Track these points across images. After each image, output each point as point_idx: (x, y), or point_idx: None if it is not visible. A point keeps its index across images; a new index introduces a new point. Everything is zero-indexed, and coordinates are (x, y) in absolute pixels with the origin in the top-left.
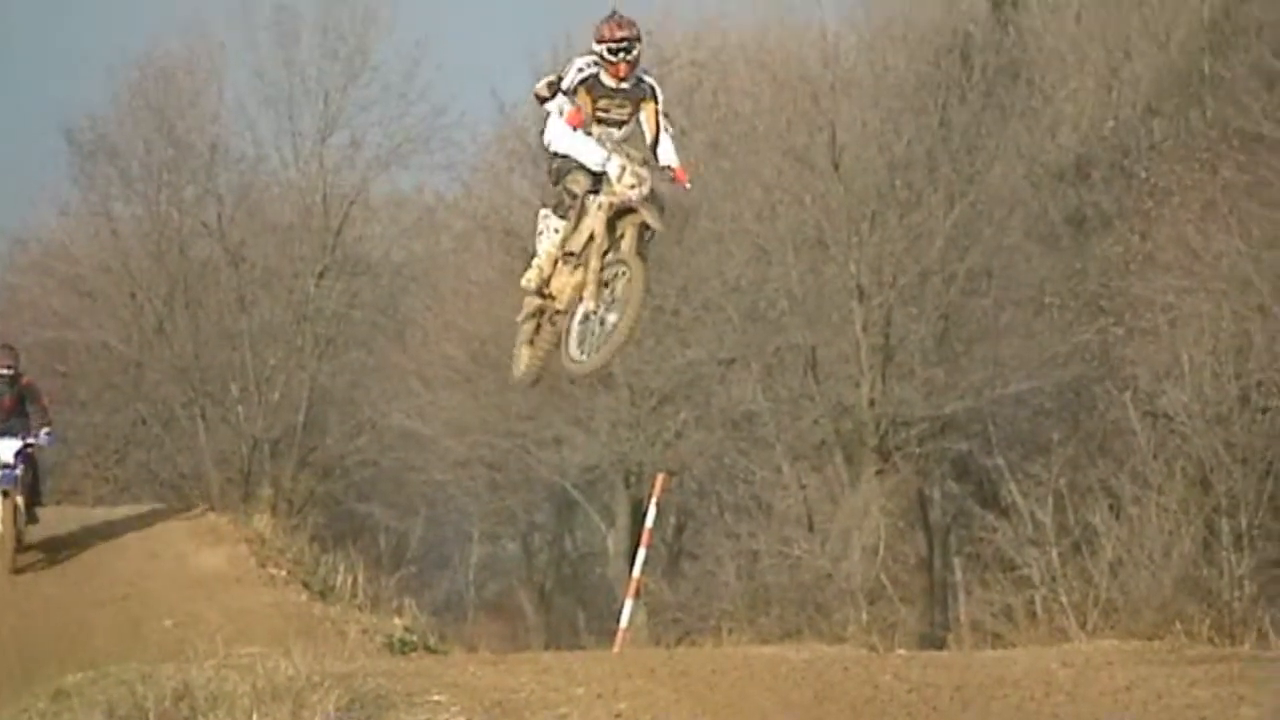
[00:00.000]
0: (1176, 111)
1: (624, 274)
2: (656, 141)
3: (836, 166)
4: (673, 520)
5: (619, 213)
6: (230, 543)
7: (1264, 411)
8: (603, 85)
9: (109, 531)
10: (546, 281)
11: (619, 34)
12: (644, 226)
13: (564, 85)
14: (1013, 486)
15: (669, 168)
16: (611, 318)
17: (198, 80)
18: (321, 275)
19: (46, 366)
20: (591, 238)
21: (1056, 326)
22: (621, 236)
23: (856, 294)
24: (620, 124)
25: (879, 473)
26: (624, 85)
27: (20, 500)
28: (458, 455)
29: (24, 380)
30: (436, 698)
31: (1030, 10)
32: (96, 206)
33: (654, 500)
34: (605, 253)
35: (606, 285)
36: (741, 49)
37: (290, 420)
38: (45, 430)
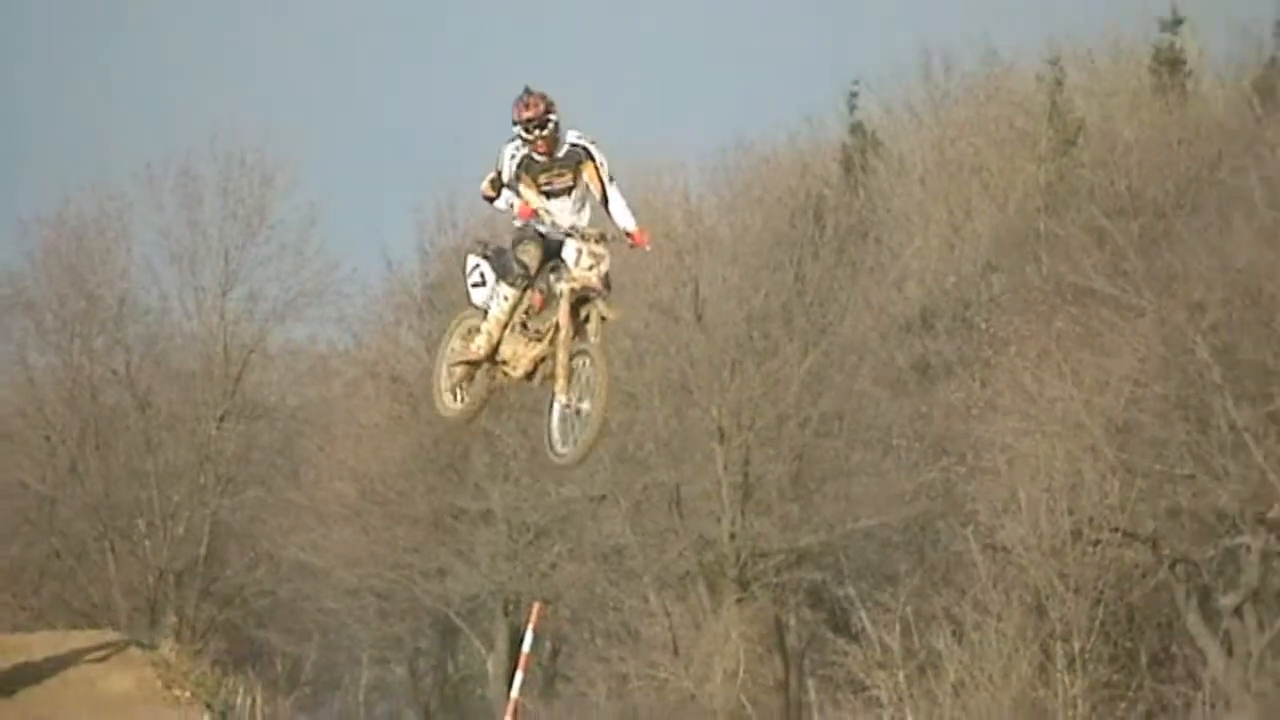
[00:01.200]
0: (1014, 267)
1: (588, 362)
2: (606, 199)
3: (699, 318)
4: (548, 645)
5: (579, 300)
6: (138, 666)
7: (1095, 544)
8: (536, 162)
9: (23, 656)
10: (495, 347)
11: (525, 115)
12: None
13: (505, 179)
14: (863, 614)
15: (628, 233)
16: (585, 406)
17: (107, 238)
18: (222, 419)
19: None
20: (557, 328)
21: (903, 466)
22: (586, 321)
23: (718, 436)
24: (567, 190)
25: (739, 601)
26: (556, 155)
27: None
28: (349, 585)
29: None
30: None
31: (878, 174)
32: (13, 356)
33: (531, 627)
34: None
35: (574, 374)
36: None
37: (193, 553)
38: None
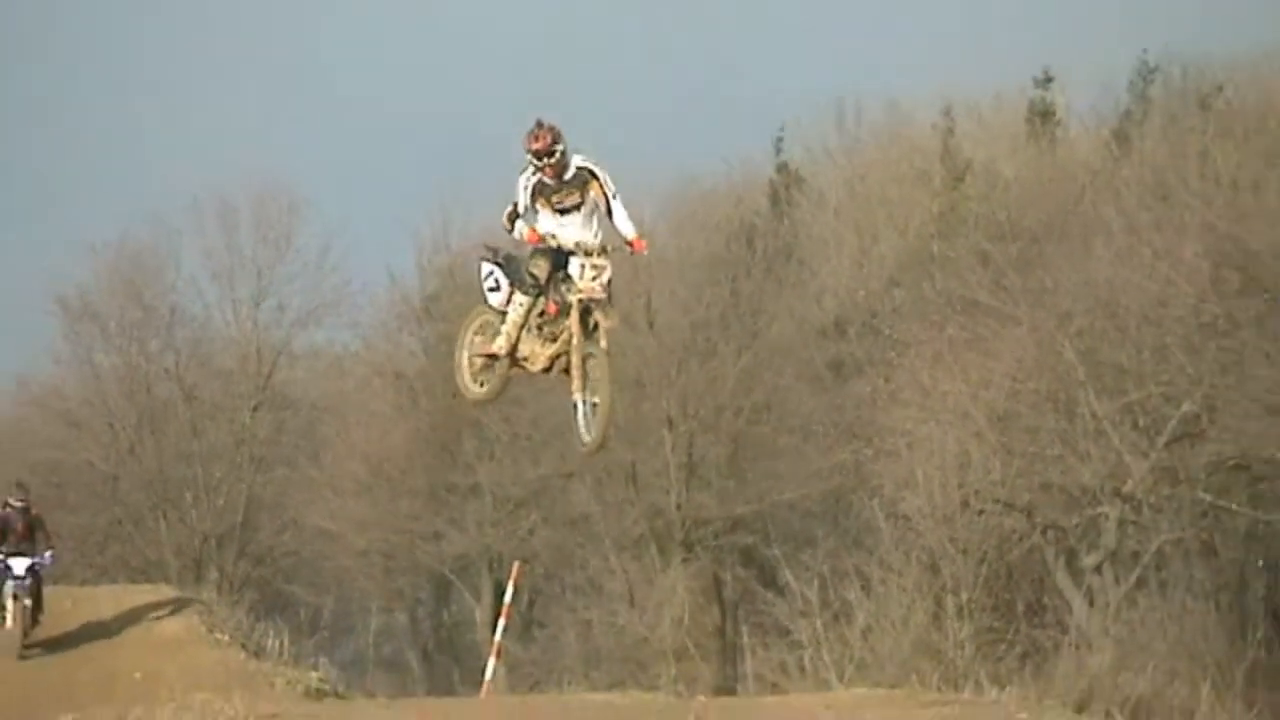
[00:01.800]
0: (913, 283)
1: (595, 361)
2: (611, 211)
3: (651, 325)
4: (526, 597)
5: (586, 309)
6: (185, 615)
7: (980, 513)
8: (547, 185)
9: (91, 606)
10: (515, 345)
11: (535, 146)
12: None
13: (520, 209)
14: (787, 571)
15: (628, 240)
16: (595, 399)
17: (160, 259)
18: (255, 409)
19: (44, 480)
20: (570, 337)
21: (820, 448)
22: (595, 328)
23: (667, 423)
24: (576, 207)
25: (684, 560)
26: (564, 178)
27: (28, 603)
28: (360, 547)
29: (34, 511)
30: None
31: (800, 205)
32: (82, 356)
33: (511, 582)
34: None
35: (586, 374)
36: None
37: (231, 520)
38: (49, 552)
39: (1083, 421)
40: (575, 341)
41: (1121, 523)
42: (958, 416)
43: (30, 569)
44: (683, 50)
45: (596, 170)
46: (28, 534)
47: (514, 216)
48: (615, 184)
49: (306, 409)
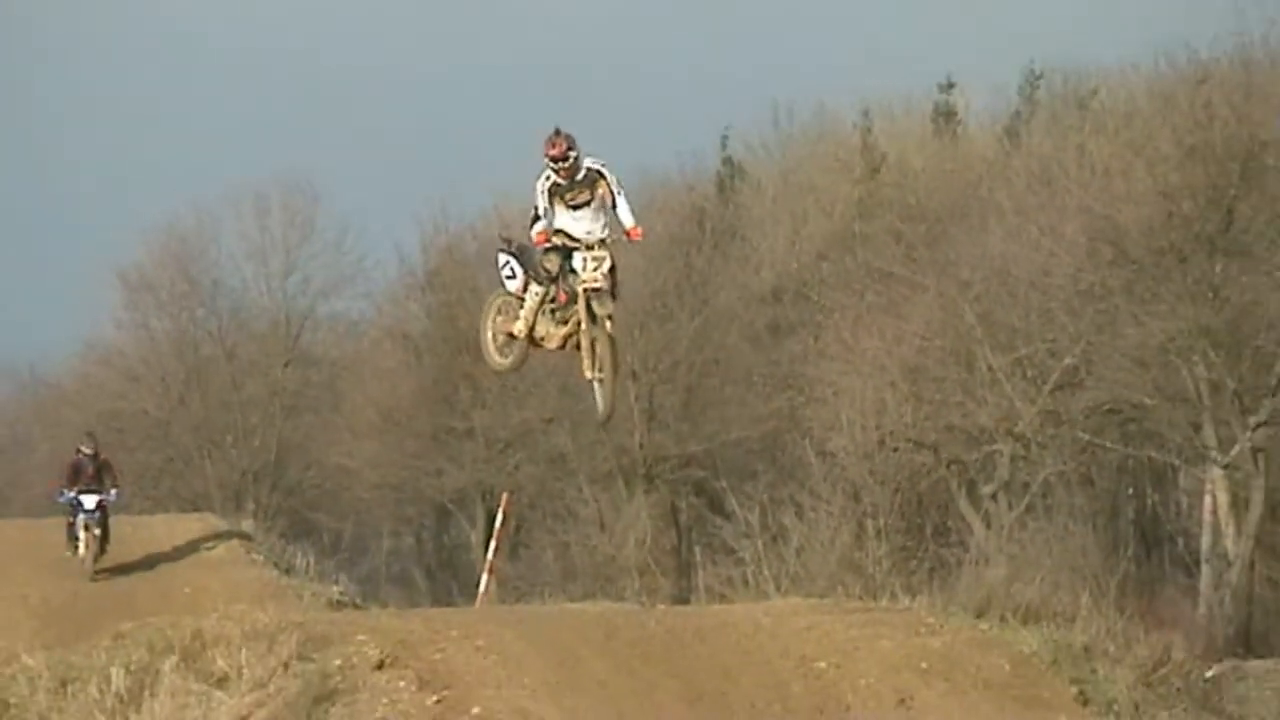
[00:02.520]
0: (837, 257)
1: (601, 343)
2: (615, 205)
3: (615, 295)
4: (513, 523)
5: (590, 296)
6: (227, 539)
7: (894, 451)
8: (561, 185)
9: (148, 532)
10: (532, 328)
11: (552, 153)
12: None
13: (540, 210)
14: (733, 500)
15: (626, 231)
16: (601, 375)
17: (204, 240)
18: (286, 366)
19: (108, 426)
20: (579, 323)
21: (760, 397)
22: (600, 313)
23: (631, 376)
24: (587, 203)
25: (646, 492)
26: (576, 178)
27: (97, 533)
28: (373, 481)
29: (102, 457)
30: (361, 637)
31: (743, 192)
32: (139, 321)
33: (501, 510)
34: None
35: (594, 354)
36: None
37: (265, 459)
38: (115, 490)
39: (980, 373)
40: (584, 326)
41: (1013, 458)
42: (875, 369)
43: (99, 504)
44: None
45: (605, 171)
46: (96, 476)
47: (535, 219)
48: (621, 183)
49: (328, 366)
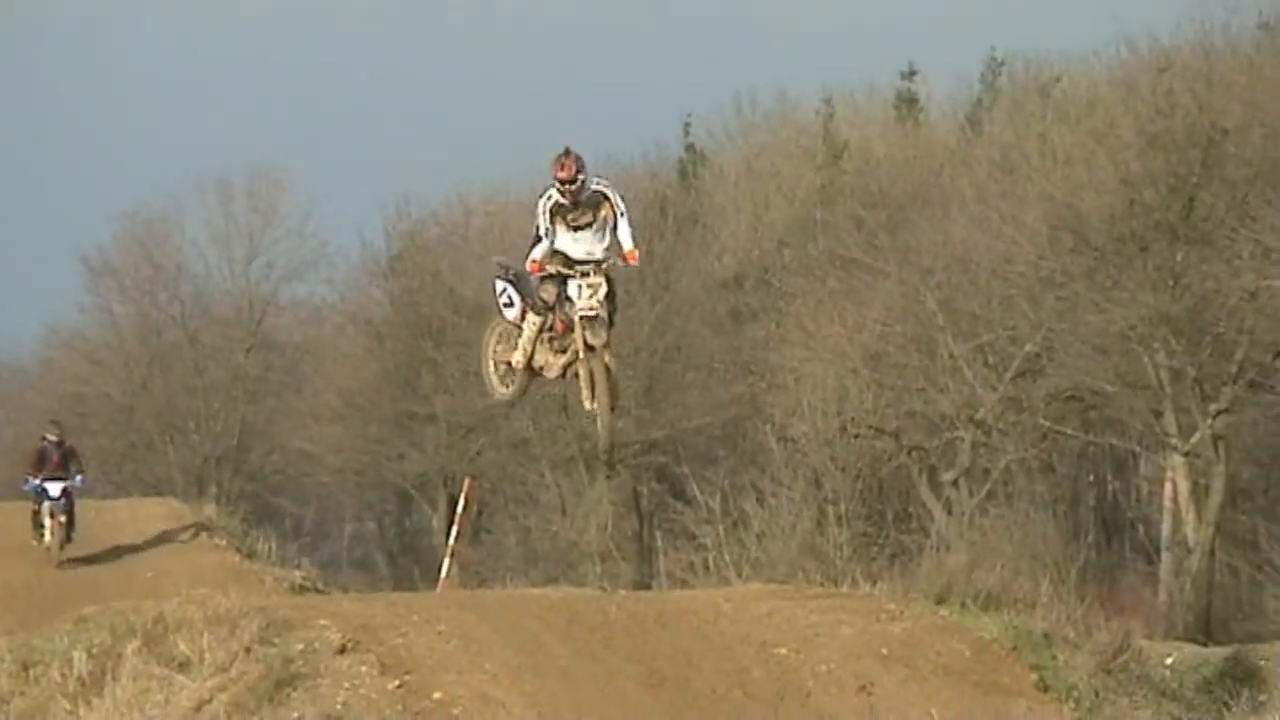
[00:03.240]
0: (799, 243)
1: (596, 371)
2: (616, 226)
3: None
4: (475, 509)
5: (585, 324)
6: (189, 523)
7: (856, 437)
8: (564, 206)
9: (111, 517)
10: (530, 357)
11: (560, 175)
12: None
13: (541, 232)
14: (694, 485)
15: (623, 254)
16: (597, 404)
17: (169, 225)
18: (248, 351)
19: (70, 411)
20: (577, 353)
21: (722, 383)
22: (595, 343)
23: None
24: (589, 224)
25: (608, 477)
26: (580, 199)
27: (63, 520)
28: (336, 466)
29: (67, 444)
30: (323, 621)
31: (705, 179)
32: (103, 306)
33: (463, 495)
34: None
35: (592, 383)
36: (520, 205)
37: (228, 444)
38: (80, 477)
39: (942, 360)
40: (581, 355)
41: (974, 444)
42: (837, 356)
43: (64, 491)
44: (609, 46)
45: (609, 193)
46: (62, 463)
47: (537, 240)
48: (624, 205)
49: (291, 350)
